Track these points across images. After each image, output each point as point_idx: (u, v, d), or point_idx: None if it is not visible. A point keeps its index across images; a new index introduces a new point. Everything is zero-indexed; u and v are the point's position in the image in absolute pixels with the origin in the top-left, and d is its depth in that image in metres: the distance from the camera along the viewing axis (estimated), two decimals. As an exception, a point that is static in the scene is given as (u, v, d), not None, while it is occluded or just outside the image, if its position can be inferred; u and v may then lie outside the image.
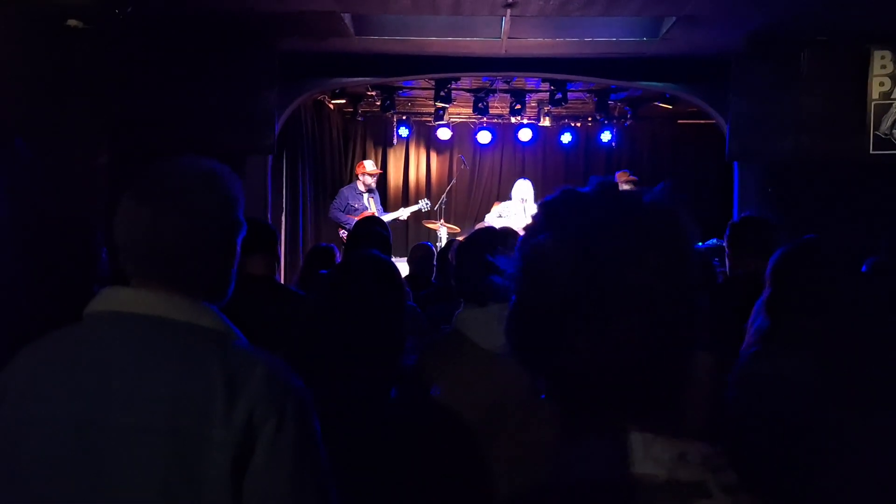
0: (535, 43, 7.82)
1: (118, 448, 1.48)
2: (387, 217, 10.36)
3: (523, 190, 10.09)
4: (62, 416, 1.52)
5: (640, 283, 0.99)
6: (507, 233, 2.79)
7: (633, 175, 10.53)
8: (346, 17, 7.08)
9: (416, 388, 2.47)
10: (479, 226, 8.39)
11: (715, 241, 9.30)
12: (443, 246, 9.49)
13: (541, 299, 1.04)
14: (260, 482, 1.50)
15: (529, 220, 1.11)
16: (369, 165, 10.55)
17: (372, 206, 10.34)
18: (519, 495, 1.13)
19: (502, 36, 7.47)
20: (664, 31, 7.28)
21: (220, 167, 1.73)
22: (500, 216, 10.03)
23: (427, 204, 11.25)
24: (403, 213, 10.96)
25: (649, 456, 0.98)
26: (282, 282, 9.03)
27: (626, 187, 7.53)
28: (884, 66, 7.29)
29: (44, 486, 1.51)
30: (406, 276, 6.43)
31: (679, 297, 1.01)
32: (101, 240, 2.77)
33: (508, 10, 6.64)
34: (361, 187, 10.34)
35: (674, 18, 6.91)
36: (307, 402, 1.59)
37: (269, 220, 8.45)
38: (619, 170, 10.93)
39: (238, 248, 1.74)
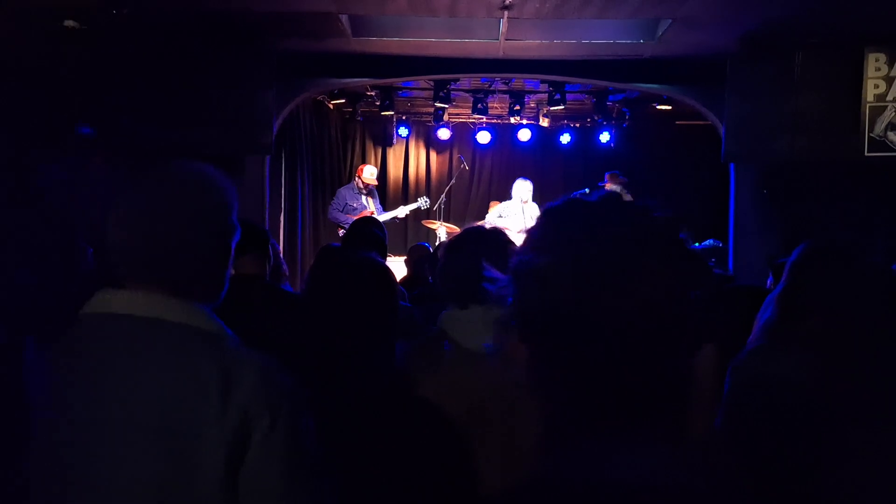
0: (533, 45, 7.85)
1: (115, 447, 1.52)
2: (385, 216, 10.35)
3: (523, 190, 10.09)
4: (59, 415, 1.56)
5: (633, 300, 1.00)
6: (497, 232, 2.78)
7: (623, 177, 10.54)
8: (344, 18, 7.10)
9: (403, 388, 2.49)
10: (471, 225, 8.38)
11: (711, 241, 9.33)
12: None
13: (537, 313, 1.05)
14: (254, 479, 1.53)
15: (529, 223, 1.10)
16: (367, 173, 10.45)
17: (371, 205, 10.33)
18: (505, 495, 1.13)
19: (500, 37, 7.49)
20: (660, 32, 7.30)
21: (214, 171, 1.75)
22: (501, 216, 10.04)
23: (426, 201, 11.21)
24: (402, 211, 10.93)
25: (633, 459, 1.00)
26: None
27: (616, 189, 7.66)
28: (878, 69, 7.31)
29: (41, 484, 1.54)
30: (404, 278, 6.45)
31: (671, 316, 1.02)
32: (86, 239, 2.79)
33: (505, 12, 6.67)
34: (357, 187, 10.32)
35: (669, 20, 6.94)
36: (300, 401, 1.63)
37: (267, 220, 8.48)
38: (609, 171, 10.94)
39: (232, 252, 1.76)
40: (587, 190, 8.72)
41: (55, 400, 1.58)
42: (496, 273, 1.13)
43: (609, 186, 10.59)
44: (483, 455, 2.33)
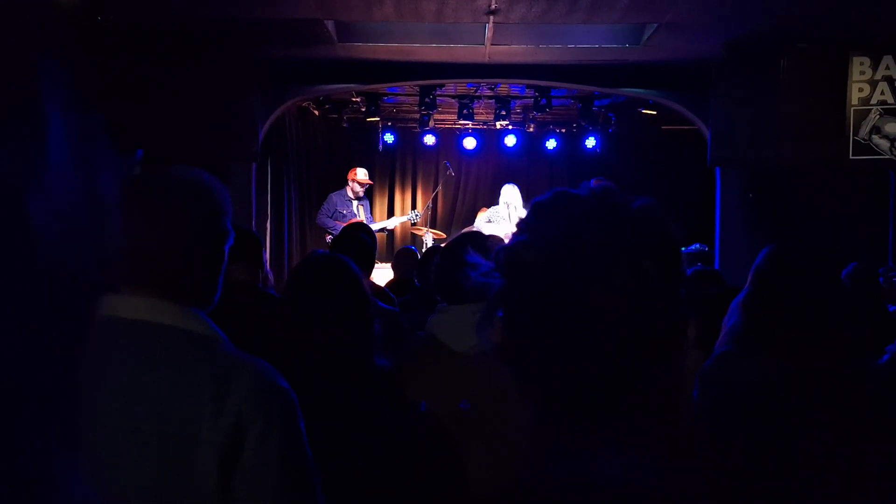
0: (519, 50, 7.86)
1: (110, 452, 1.51)
2: (375, 226, 10.31)
3: (510, 195, 10.07)
4: None
5: (608, 293, 0.98)
6: (496, 238, 2.81)
7: (608, 182, 10.54)
8: (330, 24, 7.09)
9: (393, 393, 2.48)
10: (466, 229, 8.36)
11: (698, 245, 9.36)
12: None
13: (516, 300, 1.04)
14: (248, 483, 1.54)
15: (516, 224, 1.09)
16: (361, 174, 10.43)
17: (361, 213, 10.28)
18: (495, 497, 1.12)
19: (486, 43, 7.50)
20: (646, 38, 7.33)
21: (208, 177, 1.77)
22: (490, 221, 10.04)
23: (417, 216, 11.20)
24: (392, 223, 10.93)
25: (620, 460, 0.99)
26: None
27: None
28: (863, 73, 7.36)
29: None
30: (391, 282, 6.43)
31: (651, 310, 1.00)
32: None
33: (491, 18, 6.68)
34: (350, 194, 10.30)
35: (655, 25, 6.97)
36: (293, 403, 1.64)
37: (254, 228, 8.45)
38: (594, 176, 10.95)
39: (226, 256, 1.77)
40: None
41: None
42: (479, 259, 1.11)
43: None
44: (473, 457, 2.33)
